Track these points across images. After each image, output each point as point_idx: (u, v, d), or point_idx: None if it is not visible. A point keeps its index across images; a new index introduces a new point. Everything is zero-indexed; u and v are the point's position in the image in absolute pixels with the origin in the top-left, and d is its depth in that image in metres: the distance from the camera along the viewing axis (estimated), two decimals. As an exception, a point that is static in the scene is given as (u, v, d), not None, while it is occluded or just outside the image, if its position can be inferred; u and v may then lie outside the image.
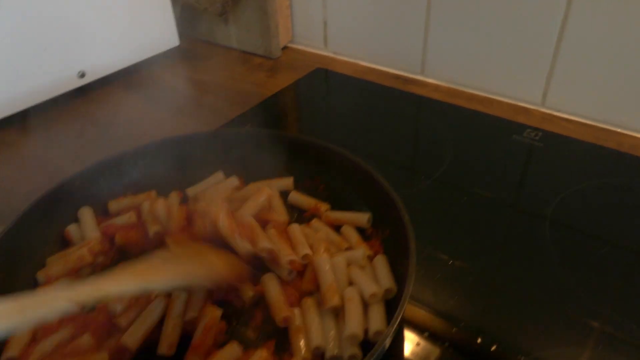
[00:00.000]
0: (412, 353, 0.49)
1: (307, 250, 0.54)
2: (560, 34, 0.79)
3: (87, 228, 0.61)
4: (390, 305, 0.50)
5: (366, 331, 0.47)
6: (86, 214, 0.62)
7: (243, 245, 0.53)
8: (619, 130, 0.80)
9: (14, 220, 0.56)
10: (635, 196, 0.68)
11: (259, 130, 0.71)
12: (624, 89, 0.77)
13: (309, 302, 0.51)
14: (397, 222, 0.52)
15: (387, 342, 0.43)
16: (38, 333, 0.49)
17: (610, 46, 0.76)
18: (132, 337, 0.47)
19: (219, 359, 0.46)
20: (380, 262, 0.54)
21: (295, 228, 0.58)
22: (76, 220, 0.62)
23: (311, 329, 0.48)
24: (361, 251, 0.55)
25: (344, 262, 0.53)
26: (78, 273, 0.56)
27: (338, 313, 0.49)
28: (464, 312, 0.53)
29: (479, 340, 0.50)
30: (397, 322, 0.43)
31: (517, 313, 0.53)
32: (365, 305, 0.49)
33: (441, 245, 0.60)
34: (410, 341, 0.50)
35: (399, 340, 0.50)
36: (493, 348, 0.49)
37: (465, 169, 0.74)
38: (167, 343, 0.48)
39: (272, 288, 0.52)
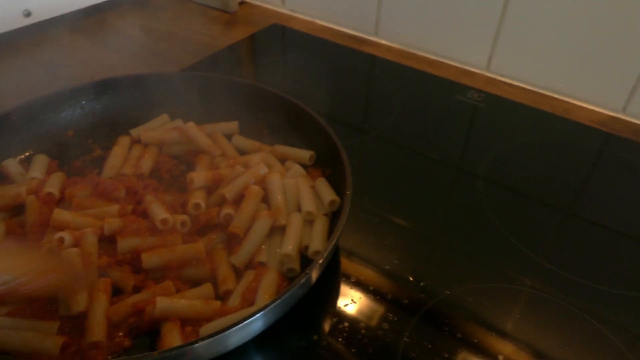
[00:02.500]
0: (348, 282, 0.52)
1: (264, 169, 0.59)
2: (506, 2, 0.82)
3: (35, 168, 0.60)
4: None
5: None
6: (41, 158, 0.62)
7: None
8: (554, 95, 0.85)
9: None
10: (563, 153, 0.73)
11: (206, 75, 0.71)
12: (562, 57, 0.81)
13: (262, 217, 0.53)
14: (339, 161, 0.55)
15: (323, 260, 0.45)
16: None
17: (552, 16, 0.79)
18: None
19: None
20: (321, 182, 0.58)
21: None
22: (14, 155, 0.62)
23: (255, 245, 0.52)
24: (300, 168, 0.60)
25: (293, 183, 0.57)
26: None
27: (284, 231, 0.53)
28: (396, 257, 0.56)
29: (410, 278, 0.53)
30: (333, 242, 0.46)
31: (443, 258, 0.57)
32: (311, 223, 0.53)
33: (377, 198, 0.63)
34: (346, 272, 0.53)
35: (335, 265, 0.54)
36: (422, 284, 0.53)
37: (409, 126, 0.76)
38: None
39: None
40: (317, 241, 0.51)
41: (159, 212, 0.52)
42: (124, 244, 0.50)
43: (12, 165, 0.60)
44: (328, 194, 0.56)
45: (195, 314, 0.46)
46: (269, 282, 0.48)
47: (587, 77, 0.81)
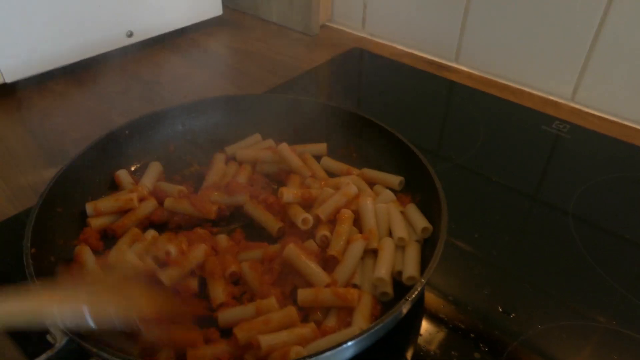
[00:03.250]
0: (436, 311, 0.53)
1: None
2: (597, 33, 0.81)
3: (145, 177, 0.65)
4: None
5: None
6: (155, 166, 0.67)
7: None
8: (645, 129, 0.83)
9: (67, 163, 0.60)
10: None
11: (299, 98, 0.74)
12: (655, 90, 0.79)
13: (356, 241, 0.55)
14: (429, 188, 0.57)
15: (419, 288, 0.46)
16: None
17: (645, 47, 0.78)
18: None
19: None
20: (412, 208, 0.60)
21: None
22: (123, 166, 0.67)
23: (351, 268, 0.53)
24: (391, 194, 0.62)
25: (385, 208, 0.59)
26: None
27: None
28: (486, 288, 0.56)
29: (499, 309, 0.53)
30: (432, 270, 0.47)
31: (533, 292, 0.56)
32: (402, 249, 0.55)
33: (463, 227, 0.63)
34: (432, 300, 0.54)
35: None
36: (512, 315, 0.53)
37: (494, 155, 0.76)
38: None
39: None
40: (410, 267, 0.53)
41: (300, 213, 0.56)
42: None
43: (124, 175, 0.65)
44: (420, 221, 0.57)
45: (297, 339, 0.46)
46: (364, 304, 0.50)
47: (684, 113, 0.78)
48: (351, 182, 0.62)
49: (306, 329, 0.47)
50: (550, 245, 0.62)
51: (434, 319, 0.52)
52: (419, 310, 0.53)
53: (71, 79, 0.92)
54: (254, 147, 0.72)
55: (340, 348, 0.41)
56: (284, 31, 1.15)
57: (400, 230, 0.56)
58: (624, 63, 0.81)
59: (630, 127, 0.83)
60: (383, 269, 0.52)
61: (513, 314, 0.53)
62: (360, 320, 0.48)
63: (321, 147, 0.71)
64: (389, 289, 0.51)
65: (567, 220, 0.65)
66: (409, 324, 0.52)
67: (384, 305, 0.52)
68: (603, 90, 0.85)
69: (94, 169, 0.64)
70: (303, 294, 0.50)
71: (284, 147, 0.68)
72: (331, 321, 0.49)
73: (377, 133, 0.67)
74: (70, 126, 0.80)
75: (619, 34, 0.79)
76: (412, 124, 0.84)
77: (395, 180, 0.64)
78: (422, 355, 0.49)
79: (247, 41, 1.10)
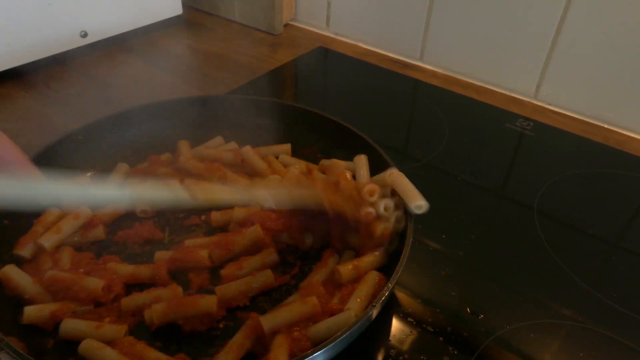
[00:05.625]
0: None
1: None
2: (558, 31, 0.82)
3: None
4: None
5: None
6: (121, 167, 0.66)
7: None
8: (606, 126, 0.84)
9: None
10: (618, 186, 0.71)
11: (262, 99, 0.72)
12: (614, 88, 0.81)
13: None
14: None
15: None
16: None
17: (604, 46, 0.79)
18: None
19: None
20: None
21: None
22: (78, 174, 0.64)
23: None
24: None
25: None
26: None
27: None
28: (454, 289, 0.56)
29: (468, 310, 0.53)
30: (398, 273, 0.46)
31: (501, 292, 0.56)
32: None
33: (430, 227, 0.63)
34: (402, 302, 0.53)
35: (391, 296, 0.53)
36: (481, 317, 0.52)
37: (460, 154, 0.76)
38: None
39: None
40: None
41: None
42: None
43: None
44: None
45: (299, 316, 0.47)
46: (366, 281, 0.49)
47: (642, 109, 0.80)
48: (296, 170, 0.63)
49: (307, 305, 0.47)
50: (516, 243, 0.62)
51: (404, 322, 0.51)
52: (388, 313, 0.52)
53: (20, 82, 0.87)
54: (218, 148, 0.70)
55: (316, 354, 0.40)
56: (247, 31, 1.12)
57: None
58: (584, 60, 0.82)
59: (592, 124, 0.84)
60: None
61: (481, 315, 0.52)
62: (357, 302, 0.47)
63: (285, 148, 0.70)
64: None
65: (531, 217, 0.65)
66: (379, 329, 0.51)
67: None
68: (565, 87, 0.86)
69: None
70: (267, 322, 0.47)
71: (247, 150, 0.66)
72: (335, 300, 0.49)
73: (340, 132, 0.66)
74: (19, 131, 0.76)
75: (578, 32, 0.80)
76: (379, 123, 0.83)
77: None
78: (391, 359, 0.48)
79: (209, 41, 1.07)
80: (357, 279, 0.51)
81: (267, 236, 0.56)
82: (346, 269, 0.51)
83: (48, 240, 0.52)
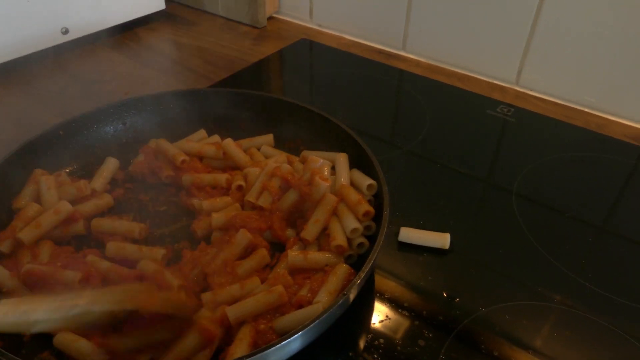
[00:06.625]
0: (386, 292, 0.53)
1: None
2: (536, 17, 0.82)
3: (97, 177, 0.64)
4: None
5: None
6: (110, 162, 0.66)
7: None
8: (586, 110, 0.84)
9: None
10: (598, 169, 0.72)
11: (244, 91, 0.72)
12: (594, 72, 0.81)
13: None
14: (374, 176, 0.56)
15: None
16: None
17: (583, 31, 0.79)
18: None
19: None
20: (356, 171, 0.61)
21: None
22: (61, 168, 0.64)
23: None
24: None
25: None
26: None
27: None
28: (430, 274, 0.56)
29: (444, 294, 0.53)
30: (371, 262, 0.47)
31: (477, 275, 0.57)
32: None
33: (411, 214, 0.63)
34: (381, 288, 0.54)
35: (370, 281, 0.54)
36: (457, 300, 0.53)
37: (441, 141, 0.77)
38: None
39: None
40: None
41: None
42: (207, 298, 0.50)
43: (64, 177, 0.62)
44: (365, 179, 0.58)
45: (265, 306, 0.47)
46: (335, 274, 0.50)
47: (621, 92, 0.80)
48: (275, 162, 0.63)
49: (273, 295, 0.47)
50: (494, 227, 0.62)
51: (380, 306, 0.52)
52: (368, 298, 0.53)
53: (0, 80, 0.87)
54: (201, 141, 0.70)
55: (280, 345, 0.40)
56: (230, 24, 1.12)
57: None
58: (563, 45, 0.82)
59: (572, 108, 0.85)
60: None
61: (457, 299, 0.53)
62: (325, 295, 0.47)
63: (267, 139, 0.70)
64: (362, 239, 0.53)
65: (510, 201, 0.65)
66: (358, 314, 0.51)
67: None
68: (545, 73, 0.86)
69: (26, 173, 0.60)
70: (233, 312, 0.47)
71: (228, 142, 0.67)
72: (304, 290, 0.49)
73: (319, 123, 0.67)
74: None
75: (556, 17, 0.80)
76: (364, 113, 0.84)
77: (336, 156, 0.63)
78: (368, 346, 0.48)
79: (192, 35, 1.07)
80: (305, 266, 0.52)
81: (256, 237, 0.55)
82: (294, 254, 0.52)
83: (27, 235, 0.52)
